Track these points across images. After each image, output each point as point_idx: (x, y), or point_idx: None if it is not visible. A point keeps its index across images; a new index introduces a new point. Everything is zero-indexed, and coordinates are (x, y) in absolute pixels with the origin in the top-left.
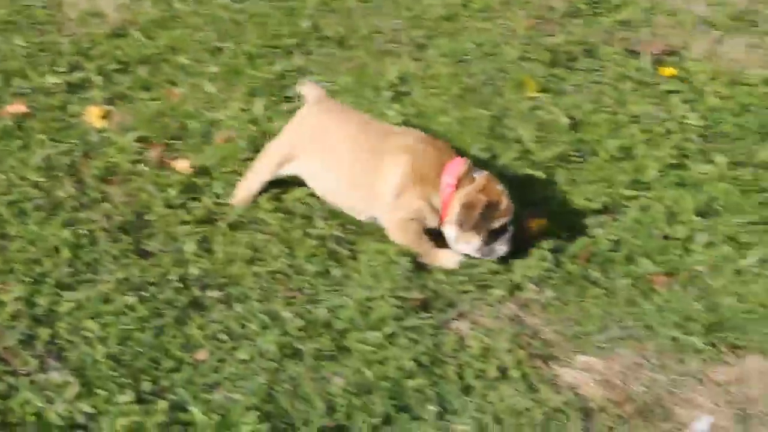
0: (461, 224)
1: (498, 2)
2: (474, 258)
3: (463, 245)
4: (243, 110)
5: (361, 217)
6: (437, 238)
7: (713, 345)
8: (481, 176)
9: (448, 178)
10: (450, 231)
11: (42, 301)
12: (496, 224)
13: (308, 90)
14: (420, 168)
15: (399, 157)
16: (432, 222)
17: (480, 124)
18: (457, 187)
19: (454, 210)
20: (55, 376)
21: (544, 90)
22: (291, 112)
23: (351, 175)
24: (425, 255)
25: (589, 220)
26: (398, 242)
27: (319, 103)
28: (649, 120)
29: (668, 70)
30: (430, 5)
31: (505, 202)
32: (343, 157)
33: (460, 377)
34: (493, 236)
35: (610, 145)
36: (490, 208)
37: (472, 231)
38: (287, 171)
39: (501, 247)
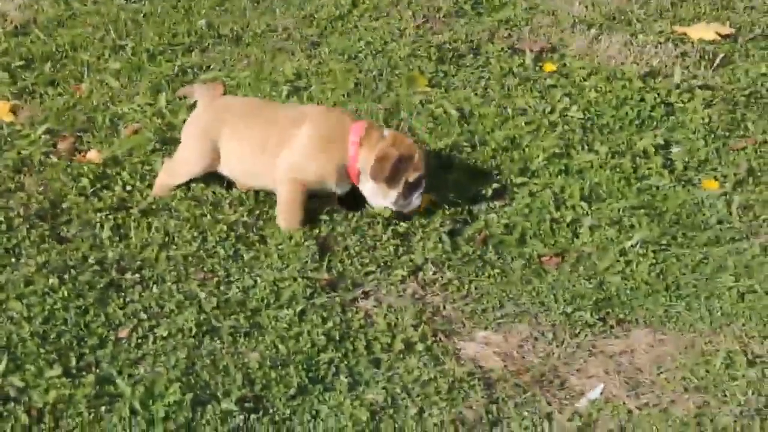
0: (376, 177)
1: (386, 3)
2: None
3: (380, 199)
4: (148, 104)
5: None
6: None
7: (602, 320)
8: (390, 132)
9: (353, 137)
10: (366, 186)
11: None
12: (411, 177)
13: (200, 93)
14: (325, 131)
15: (306, 124)
16: (335, 185)
17: (375, 117)
18: (361, 144)
19: (366, 166)
20: None
21: (433, 85)
22: (193, 106)
23: (262, 146)
24: (291, 220)
25: (483, 206)
26: (282, 204)
27: (216, 99)
28: (533, 113)
29: (549, 66)
30: (321, 5)
31: (417, 155)
32: (254, 132)
33: (369, 351)
34: (409, 189)
35: (498, 136)
36: (404, 160)
37: (389, 184)
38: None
39: (417, 201)
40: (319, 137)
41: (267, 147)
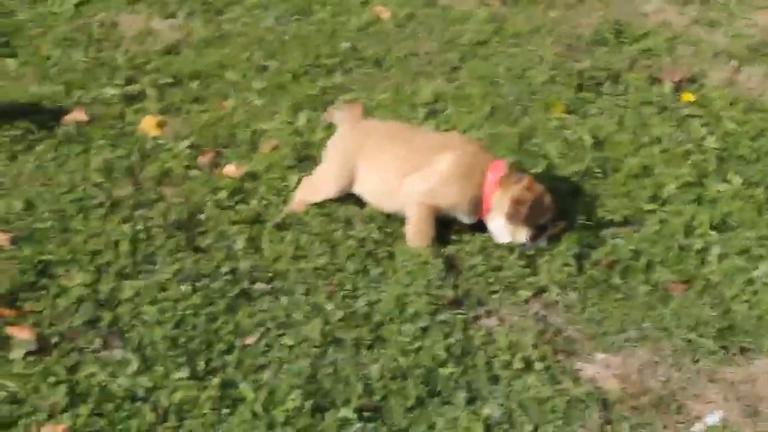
0: (510, 218)
1: (528, 30)
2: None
3: (508, 237)
4: (288, 122)
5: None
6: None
7: (725, 348)
8: (525, 177)
9: (492, 176)
10: (497, 223)
11: (104, 288)
12: (541, 220)
13: (340, 116)
14: (465, 164)
15: (447, 153)
16: (463, 215)
17: (509, 140)
18: (498, 183)
19: (500, 205)
20: (118, 354)
21: (570, 112)
22: (331, 126)
23: (400, 169)
24: (421, 240)
25: (611, 231)
26: (413, 225)
27: (358, 121)
28: (668, 141)
29: (688, 96)
30: (463, 31)
31: (549, 200)
32: (393, 155)
33: (488, 367)
34: (537, 231)
35: (631, 162)
36: (537, 205)
37: (520, 225)
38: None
39: (542, 243)
40: (459, 168)
41: (404, 171)
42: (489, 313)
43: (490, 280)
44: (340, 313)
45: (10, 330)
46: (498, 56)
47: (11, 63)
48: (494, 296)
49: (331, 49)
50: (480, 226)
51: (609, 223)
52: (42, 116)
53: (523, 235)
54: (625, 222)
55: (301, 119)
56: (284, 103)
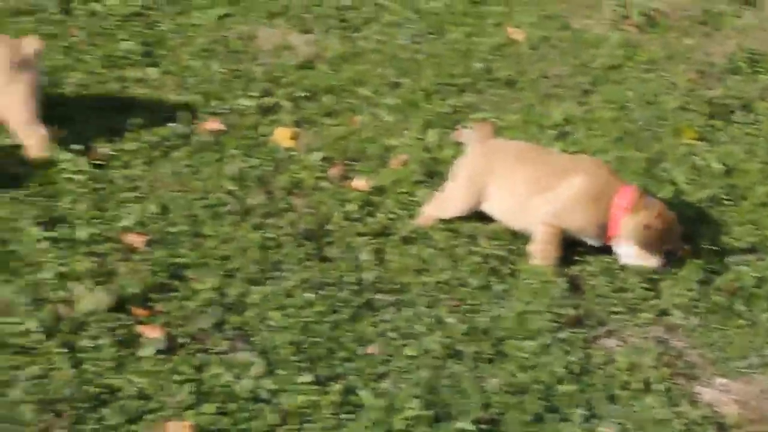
0: (640, 244)
1: (661, 57)
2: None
3: (634, 261)
4: (418, 139)
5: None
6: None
7: None
8: (656, 203)
9: (620, 200)
10: (625, 248)
11: (232, 292)
12: (670, 246)
13: (470, 135)
14: (595, 188)
15: (576, 176)
16: (589, 238)
17: (637, 165)
18: (627, 209)
19: (628, 230)
20: (243, 356)
21: (700, 138)
22: (460, 145)
23: (529, 189)
24: (546, 259)
25: (736, 258)
26: (539, 243)
27: (488, 141)
28: None
29: None
30: (596, 56)
31: (677, 226)
32: (523, 175)
33: (607, 387)
34: (665, 256)
35: (760, 191)
36: (667, 232)
37: (650, 250)
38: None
39: (668, 267)
40: (588, 192)
41: (534, 191)
42: (610, 334)
43: (613, 301)
44: (461, 327)
45: (141, 329)
46: (630, 81)
47: (152, 72)
48: (616, 317)
49: (463, 69)
50: (604, 247)
51: (734, 250)
52: (179, 124)
53: (651, 260)
54: (751, 249)
55: (431, 136)
56: (415, 120)
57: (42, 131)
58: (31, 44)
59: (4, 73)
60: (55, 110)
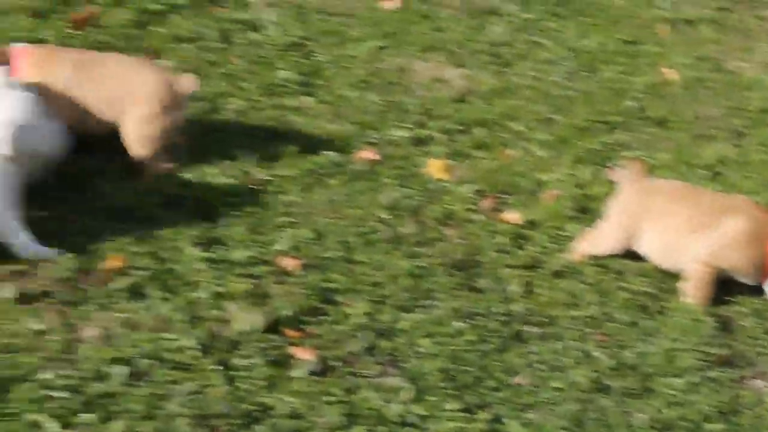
0: None
1: None
2: None
3: None
4: (569, 174)
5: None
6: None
7: None
8: None
9: None
10: None
11: (383, 318)
12: None
13: (622, 174)
14: (753, 228)
15: (734, 216)
16: (746, 278)
17: None
18: None
19: None
20: (393, 381)
21: None
22: (612, 182)
23: (684, 228)
24: (699, 298)
25: None
26: (693, 281)
27: (640, 180)
28: None
29: None
30: (749, 98)
31: None
32: (678, 215)
33: (755, 428)
34: None
35: None
36: None
37: None
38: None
39: None
40: (745, 233)
41: (690, 231)
42: (759, 375)
43: (763, 343)
44: (608, 362)
45: (293, 350)
46: None
47: (309, 101)
48: (766, 358)
49: (615, 107)
50: (755, 288)
51: None
52: (335, 153)
53: None
54: None
55: (583, 172)
56: (566, 156)
57: (165, 165)
58: (187, 82)
59: (152, 107)
60: (214, 135)
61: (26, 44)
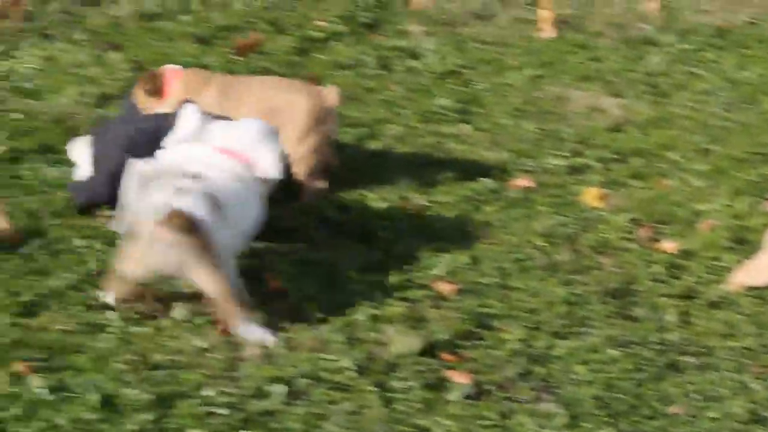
0: None
1: None
2: None
3: None
4: (726, 206)
5: None
6: None
7: None
8: None
9: None
10: None
11: (538, 344)
12: None
13: None
14: None
15: None
16: None
17: None
18: None
19: None
20: (547, 407)
21: None
22: None
23: None
24: None
25: None
26: None
27: None
28: None
29: None
30: None
31: None
32: None
33: None
34: None
35: None
36: None
37: None
38: None
39: None
40: None
41: None
42: None
43: None
44: (765, 393)
45: (449, 373)
46: None
47: (467, 128)
48: None
49: None
50: None
51: None
52: (491, 180)
53: None
54: None
55: (740, 204)
56: (724, 187)
57: (321, 185)
58: (331, 94)
59: (303, 124)
60: (372, 161)
61: (178, 67)
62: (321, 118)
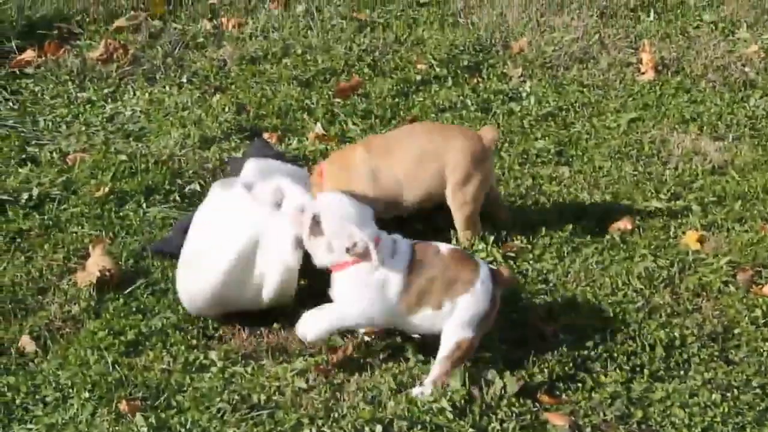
0: None
1: None
2: None
3: None
4: None
5: None
6: None
7: None
8: None
9: None
10: None
11: (637, 387)
12: None
13: None
14: None
15: None
16: None
17: None
18: None
19: None
20: None
21: None
22: None
23: None
24: None
25: None
26: None
27: None
28: None
29: None
30: None
31: None
32: None
33: None
34: None
35: None
36: None
37: None
38: None
39: None
40: None
41: None
42: None
43: None
44: None
45: (547, 416)
46: None
47: (565, 171)
48: None
49: None
50: None
51: None
52: (590, 222)
53: None
54: None
55: None
56: None
57: (479, 227)
58: (489, 134)
59: (465, 168)
60: None
61: (325, 162)
62: (483, 157)
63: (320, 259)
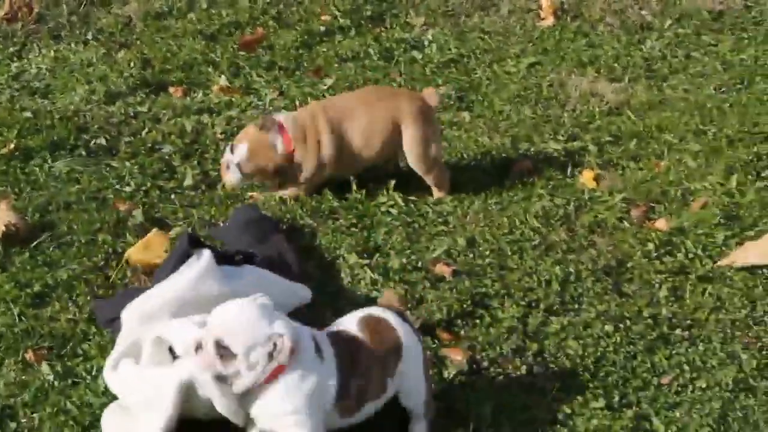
0: None
1: None
2: None
3: None
4: (719, 184)
5: None
6: None
7: None
8: None
9: None
10: None
11: (533, 321)
12: None
13: None
14: None
15: None
16: None
17: None
18: None
19: None
20: (539, 381)
21: None
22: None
23: None
24: None
25: None
26: None
27: None
28: None
29: None
30: None
31: None
32: None
33: None
34: None
35: None
36: None
37: None
38: None
39: None
40: None
41: None
42: None
43: None
44: (754, 363)
45: (446, 351)
46: None
47: (466, 116)
48: None
49: None
50: None
51: None
52: (490, 164)
53: None
54: None
55: (733, 181)
56: (717, 166)
57: (447, 172)
58: (431, 95)
59: (415, 125)
60: None
61: (285, 114)
62: (427, 117)
63: (245, 383)
